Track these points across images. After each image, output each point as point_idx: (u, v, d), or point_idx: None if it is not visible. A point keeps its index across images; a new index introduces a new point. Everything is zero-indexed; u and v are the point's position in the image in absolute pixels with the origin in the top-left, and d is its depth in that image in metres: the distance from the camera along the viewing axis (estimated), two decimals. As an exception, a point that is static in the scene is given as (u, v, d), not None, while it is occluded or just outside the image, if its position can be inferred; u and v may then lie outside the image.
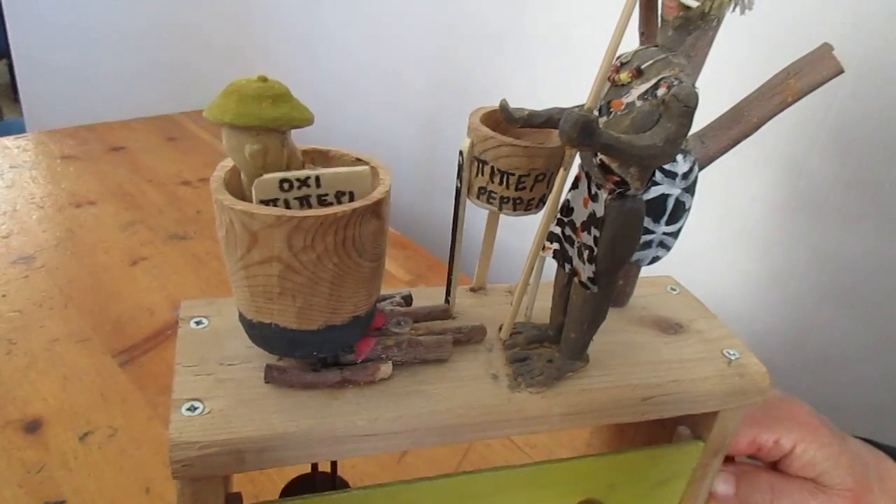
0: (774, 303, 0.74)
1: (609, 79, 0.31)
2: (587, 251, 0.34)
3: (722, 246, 0.76)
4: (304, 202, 0.30)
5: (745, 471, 0.46)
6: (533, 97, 0.86)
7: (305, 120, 0.30)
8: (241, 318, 0.33)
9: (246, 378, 0.34)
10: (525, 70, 0.86)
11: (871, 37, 0.59)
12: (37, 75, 1.38)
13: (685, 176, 0.38)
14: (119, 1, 1.31)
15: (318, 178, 0.30)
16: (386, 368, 0.35)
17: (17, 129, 1.49)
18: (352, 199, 0.31)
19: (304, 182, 0.30)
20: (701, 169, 0.39)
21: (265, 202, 0.30)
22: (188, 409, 0.32)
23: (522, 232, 0.41)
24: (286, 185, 0.29)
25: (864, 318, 0.68)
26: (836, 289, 0.69)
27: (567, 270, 0.36)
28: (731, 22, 0.32)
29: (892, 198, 0.63)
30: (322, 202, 0.30)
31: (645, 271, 0.44)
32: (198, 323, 0.37)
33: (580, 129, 0.27)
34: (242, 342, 0.35)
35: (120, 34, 1.35)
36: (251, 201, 0.30)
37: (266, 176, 0.29)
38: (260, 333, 0.33)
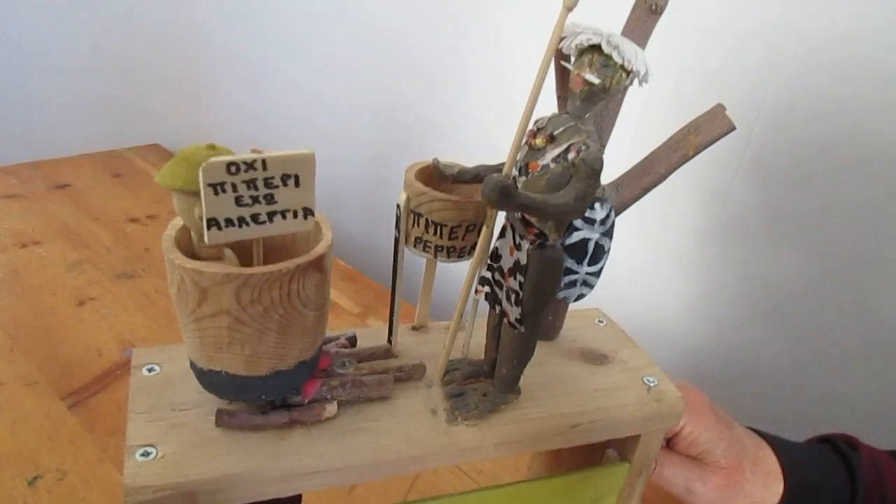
0: (706, 321, 0.79)
1: (526, 142, 0.34)
2: (514, 295, 0.37)
3: (656, 270, 0.81)
4: (251, 185, 0.31)
5: None
6: (469, 129, 0.91)
7: (251, 183, 0.33)
8: (193, 365, 0.35)
9: (198, 422, 0.36)
10: (463, 105, 0.90)
11: (786, 80, 0.65)
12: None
13: (603, 221, 0.42)
14: (63, 35, 1.31)
15: (264, 162, 0.31)
16: (331, 408, 0.37)
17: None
18: (297, 182, 0.32)
19: (250, 165, 0.31)
20: (617, 214, 0.43)
21: (213, 185, 0.30)
22: (142, 455, 0.34)
23: (464, 266, 0.45)
24: (233, 169, 0.30)
25: (788, 334, 0.73)
26: (763, 307, 0.75)
27: (497, 311, 0.39)
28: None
29: (810, 221, 0.69)
30: (268, 185, 0.32)
31: (576, 304, 0.48)
32: (150, 370, 0.39)
33: (499, 193, 0.30)
34: (194, 387, 0.37)
35: (64, 68, 1.34)
36: (201, 258, 0.32)
37: (213, 160, 0.30)
38: (210, 380, 0.35)
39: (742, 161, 0.72)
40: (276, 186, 0.32)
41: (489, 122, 0.87)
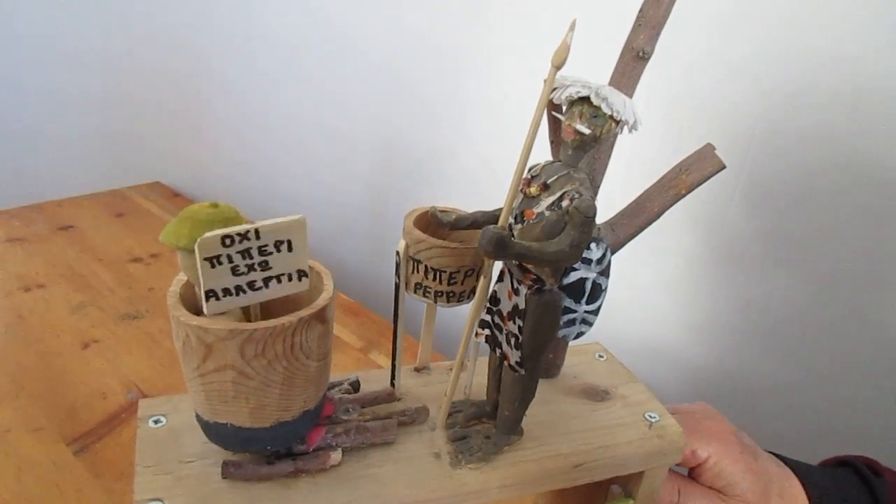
0: (705, 345, 0.80)
1: (521, 191, 0.35)
2: (513, 338, 0.38)
3: (654, 297, 0.82)
4: (246, 255, 0.32)
5: None
6: (470, 159, 0.92)
7: (253, 239, 0.34)
8: (198, 418, 0.36)
9: (204, 474, 0.36)
10: (463, 135, 0.92)
11: (776, 107, 0.67)
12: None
13: (599, 261, 0.43)
14: (63, 75, 1.33)
15: (257, 231, 0.32)
16: (336, 455, 0.38)
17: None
18: (290, 247, 0.33)
19: (244, 236, 0.32)
20: (613, 253, 0.44)
21: (209, 259, 0.31)
22: (150, 509, 0.34)
23: (467, 307, 0.45)
24: (228, 241, 0.31)
25: (784, 355, 0.74)
26: (759, 331, 0.75)
27: (498, 354, 0.40)
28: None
29: (803, 246, 0.69)
30: (263, 253, 0.33)
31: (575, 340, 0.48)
32: (156, 422, 0.39)
33: (495, 245, 0.31)
34: (199, 438, 0.37)
35: (65, 107, 1.36)
36: (206, 313, 0.33)
37: (208, 234, 0.31)
38: (216, 433, 0.35)
39: (737, 187, 0.73)
40: (270, 253, 0.33)
41: (489, 151, 0.88)
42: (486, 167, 0.89)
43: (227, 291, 0.33)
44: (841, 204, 0.66)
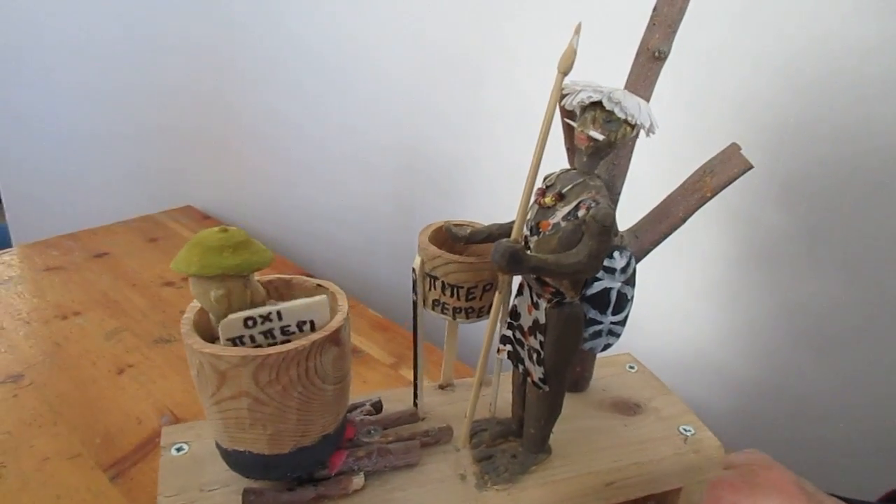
0: (749, 353, 0.76)
1: (536, 201, 0.34)
2: (535, 354, 0.36)
3: (688, 303, 0.79)
4: (269, 335, 0.33)
5: None
6: (495, 168, 0.91)
7: (264, 262, 0.33)
8: (218, 446, 0.36)
9: (225, 503, 0.36)
10: (487, 145, 0.91)
11: (809, 99, 0.64)
12: (20, 180, 1.42)
13: (623, 270, 0.41)
14: (95, 109, 1.37)
15: (279, 313, 0.33)
16: (358, 480, 0.37)
17: (0, 233, 1.52)
18: (313, 327, 0.34)
19: (266, 318, 0.33)
20: (638, 261, 0.42)
21: (232, 340, 0.32)
22: (172, 540, 0.34)
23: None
24: (250, 323, 0.32)
25: (830, 359, 0.70)
26: (806, 334, 0.72)
27: (521, 370, 0.39)
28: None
29: (845, 243, 0.66)
30: (285, 333, 0.33)
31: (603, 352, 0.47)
32: (178, 450, 0.39)
33: (509, 259, 0.30)
34: (220, 466, 0.37)
35: (100, 136, 1.39)
36: (220, 339, 0.33)
37: (231, 316, 0.32)
38: (235, 460, 0.35)
39: (771, 186, 0.70)
40: (293, 332, 0.33)
41: (513, 160, 0.87)
42: (510, 176, 0.87)
43: None
44: (883, 197, 0.63)
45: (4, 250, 1.09)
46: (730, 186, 0.42)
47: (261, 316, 0.32)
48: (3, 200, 1.48)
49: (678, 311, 0.80)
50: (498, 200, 0.90)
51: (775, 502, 0.45)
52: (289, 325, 0.33)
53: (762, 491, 0.45)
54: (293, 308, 0.33)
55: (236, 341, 0.32)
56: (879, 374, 0.67)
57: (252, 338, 0.33)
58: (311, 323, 0.34)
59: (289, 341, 0.33)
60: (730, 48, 0.67)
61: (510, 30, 0.84)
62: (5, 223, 1.52)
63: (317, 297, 0.34)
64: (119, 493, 0.64)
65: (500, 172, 0.90)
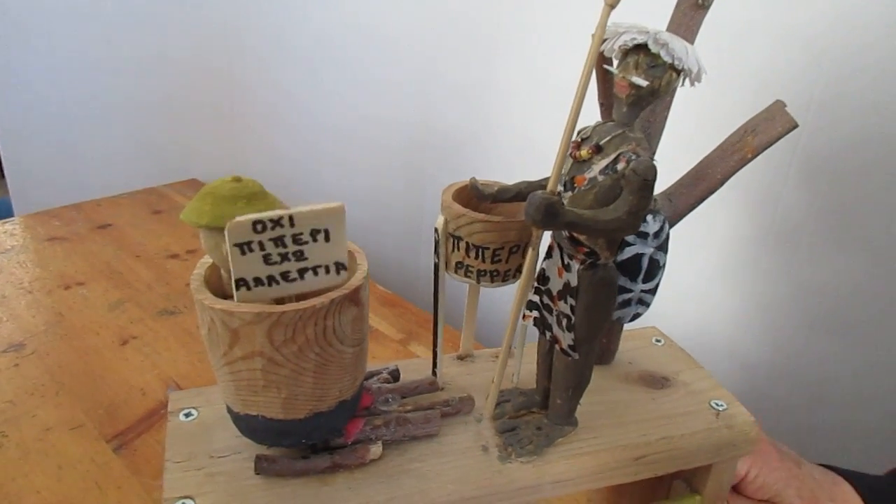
0: (764, 335, 0.74)
1: (571, 155, 0.32)
2: (565, 319, 0.34)
3: (704, 283, 0.77)
4: (279, 243, 0.30)
5: None
6: (510, 145, 0.88)
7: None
8: (229, 410, 0.34)
9: (236, 470, 0.34)
10: (501, 120, 0.88)
11: (835, 76, 0.61)
12: (22, 151, 1.40)
13: (656, 235, 0.39)
14: (101, 79, 1.34)
15: (291, 218, 0.29)
16: (376, 450, 0.35)
17: (2, 206, 1.50)
18: (327, 237, 0.30)
19: (277, 222, 0.29)
20: (671, 226, 0.40)
21: (239, 245, 0.29)
22: (180, 508, 0.32)
23: (511, 289, 0.42)
24: (259, 227, 0.29)
25: (848, 341, 0.68)
26: (822, 316, 0.70)
27: (548, 337, 0.37)
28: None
29: (864, 223, 0.64)
30: (297, 241, 0.30)
31: (630, 324, 0.45)
32: (187, 415, 0.37)
33: (544, 212, 0.28)
34: (231, 432, 0.35)
35: (105, 107, 1.37)
36: (232, 296, 0.31)
37: (239, 218, 0.29)
38: (247, 426, 0.33)
39: (792, 163, 0.68)
40: (306, 242, 0.30)
41: (530, 135, 0.84)
42: (525, 150, 0.85)
43: (258, 281, 0.30)
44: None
45: (6, 219, 1.07)
46: (748, 165, 0.39)
47: (271, 220, 0.29)
48: (6, 172, 1.45)
49: (691, 291, 0.78)
50: (511, 176, 0.88)
51: (749, 460, 0.46)
52: (301, 234, 0.30)
53: None
54: (306, 214, 0.30)
55: (244, 248, 0.29)
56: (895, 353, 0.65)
57: (261, 244, 0.29)
58: (326, 232, 0.30)
59: (301, 252, 0.30)
60: (755, 20, 0.65)
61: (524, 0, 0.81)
62: (8, 196, 1.50)
63: (332, 204, 0.30)
64: (122, 464, 0.62)
65: (516, 151, 0.88)
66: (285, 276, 0.31)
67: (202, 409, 0.38)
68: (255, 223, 0.29)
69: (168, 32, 1.27)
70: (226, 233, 0.29)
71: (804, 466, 0.48)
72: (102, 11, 1.28)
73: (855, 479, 0.49)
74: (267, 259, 0.30)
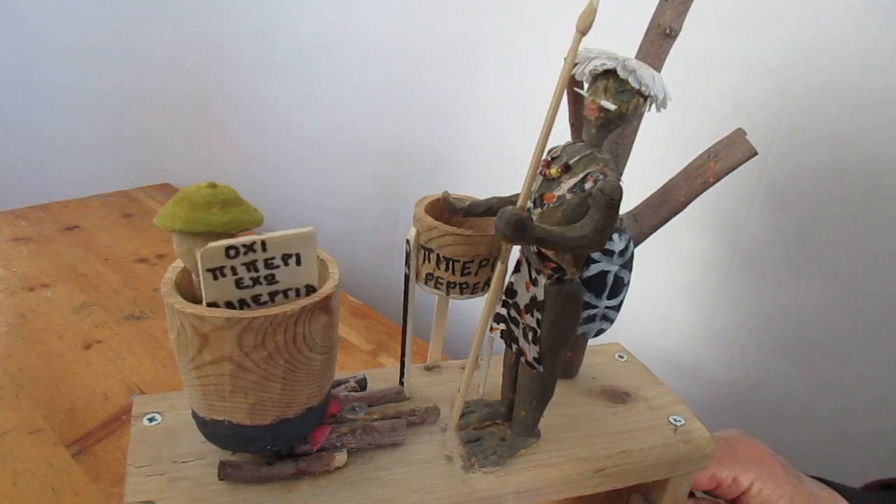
0: (727, 355, 0.76)
1: (541, 173, 0.33)
2: (531, 332, 0.35)
3: (669, 304, 0.79)
4: (251, 267, 0.30)
5: None
6: (483, 160, 0.90)
7: (254, 222, 0.32)
8: (194, 415, 0.34)
9: (199, 476, 0.34)
10: (475, 135, 0.90)
11: (799, 106, 0.64)
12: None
13: (622, 253, 0.40)
14: (73, 75, 1.32)
15: (263, 243, 0.30)
16: (341, 457, 0.35)
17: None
18: (298, 261, 0.31)
19: (249, 248, 0.30)
20: (636, 245, 0.41)
21: (212, 270, 0.30)
22: (141, 513, 0.32)
23: (479, 302, 0.43)
24: (232, 252, 0.30)
25: (807, 364, 0.70)
26: (782, 338, 0.72)
27: (514, 350, 0.37)
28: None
29: (827, 250, 0.66)
30: (269, 266, 0.31)
31: (595, 339, 0.46)
32: (151, 420, 0.37)
33: (514, 227, 0.28)
34: (196, 437, 0.35)
35: (73, 108, 1.35)
36: (203, 302, 0.31)
37: (212, 244, 0.29)
38: (213, 431, 0.33)
39: (758, 190, 0.70)
40: (277, 266, 0.31)
41: (503, 152, 0.86)
42: (498, 166, 0.87)
43: (230, 305, 0.31)
44: (868, 206, 0.63)
45: (-31, 218, 1.05)
46: (714, 188, 0.41)
47: (244, 245, 0.30)
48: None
49: (655, 311, 0.80)
50: (490, 188, 0.89)
51: (753, 474, 0.46)
52: (273, 258, 0.31)
53: (740, 463, 0.46)
54: (278, 239, 0.30)
55: (216, 273, 0.30)
56: (856, 379, 0.68)
57: (234, 269, 0.30)
58: (297, 257, 0.31)
59: (273, 276, 0.30)
60: (722, 51, 0.67)
61: (505, 13, 0.83)
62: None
63: (303, 229, 0.31)
64: (81, 469, 0.61)
65: (491, 159, 0.89)
66: (256, 299, 0.31)
67: (167, 414, 0.38)
68: (228, 248, 0.30)
69: (144, 33, 1.26)
70: (198, 258, 0.29)
71: (805, 482, 0.48)
72: (76, 10, 1.26)
73: (848, 495, 0.48)
74: (239, 283, 0.30)
